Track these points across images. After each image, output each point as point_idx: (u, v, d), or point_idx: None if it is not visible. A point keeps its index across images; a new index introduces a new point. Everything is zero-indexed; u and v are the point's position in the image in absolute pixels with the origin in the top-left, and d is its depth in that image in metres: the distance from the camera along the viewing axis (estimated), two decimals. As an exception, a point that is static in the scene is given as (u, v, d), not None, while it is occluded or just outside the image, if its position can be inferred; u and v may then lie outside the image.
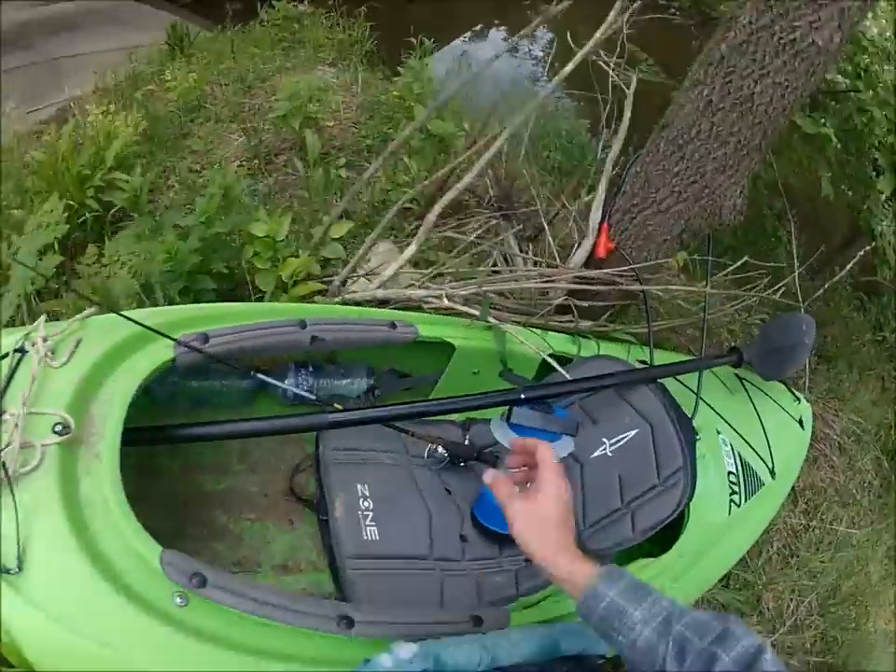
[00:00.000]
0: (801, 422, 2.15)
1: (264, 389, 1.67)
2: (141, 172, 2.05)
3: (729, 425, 1.89)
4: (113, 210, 2.05)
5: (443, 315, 1.74)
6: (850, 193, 2.70)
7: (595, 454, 1.65)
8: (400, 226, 2.15)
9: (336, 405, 1.41)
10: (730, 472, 1.76)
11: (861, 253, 2.80)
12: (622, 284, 1.88)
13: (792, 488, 2.62)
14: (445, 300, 1.71)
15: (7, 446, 1.00)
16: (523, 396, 1.48)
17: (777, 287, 2.22)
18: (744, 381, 2.12)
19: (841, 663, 2.38)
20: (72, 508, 1.01)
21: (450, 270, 1.88)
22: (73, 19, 3.85)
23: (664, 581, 1.49)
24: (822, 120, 2.45)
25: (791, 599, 2.37)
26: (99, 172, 2.05)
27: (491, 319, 1.65)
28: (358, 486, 1.57)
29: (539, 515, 0.98)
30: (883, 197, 2.56)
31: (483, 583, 1.56)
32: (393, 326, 1.57)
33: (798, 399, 2.21)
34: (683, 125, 1.70)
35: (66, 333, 1.19)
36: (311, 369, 1.68)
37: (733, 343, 2.65)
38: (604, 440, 1.65)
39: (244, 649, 1.01)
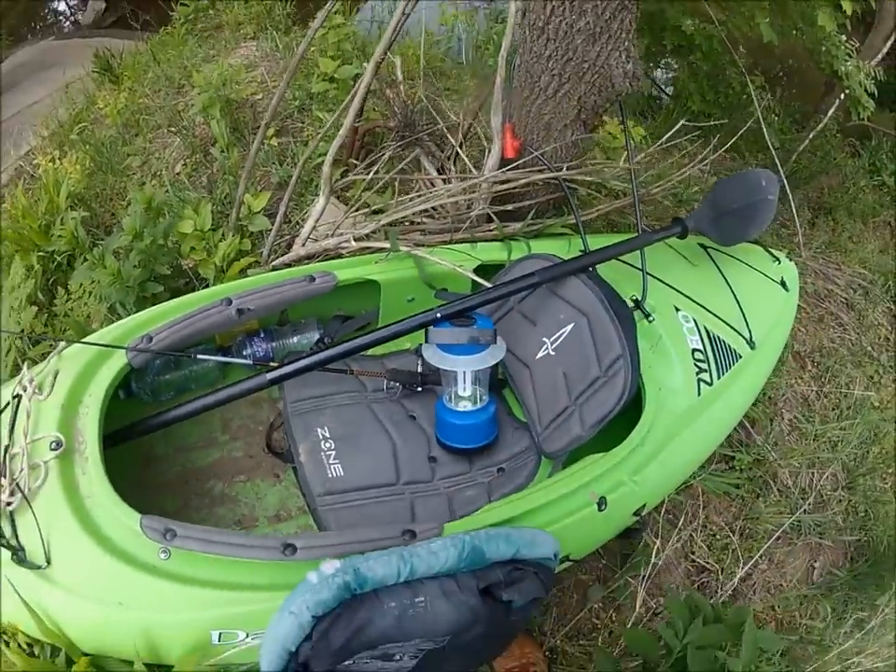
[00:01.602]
0: (783, 283, 2.06)
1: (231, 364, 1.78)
2: (73, 212, 2.17)
3: (690, 299, 1.83)
4: (73, 252, 2.17)
5: (363, 255, 1.78)
6: (803, 37, 2.53)
7: (539, 355, 1.67)
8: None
9: (272, 363, 1.53)
10: (695, 350, 1.71)
11: (841, 98, 2.65)
12: (537, 181, 1.86)
13: (798, 353, 2.55)
14: (353, 241, 1.74)
15: (20, 472, 1.27)
16: (439, 315, 1.52)
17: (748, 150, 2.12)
18: (708, 250, 2.03)
19: (878, 541, 2.23)
20: (75, 503, 1.25)
21: (374, 208, 1.91)
22: (5, 79, 3.95)
23: (622, 475, 1.47)
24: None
25: (812, 473, 2.28)
26: (58, 217, 2.18)
27: (403, 248, 1.68)
28: (318, 430, 1.66)
29: None
30: (834, 34, 2.39)
31: (454, 499, 1.62)
32: (312, 279, 1.64)
33: (777, 260, 2.12)
34: (538, 7, 1.67)
35: (47, 371, 1.44)
36: (262, 335, 1.79)
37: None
38: (544, 339, 1.66)
39: (218, 585, 1.21)
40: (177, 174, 2.41)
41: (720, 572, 2.03)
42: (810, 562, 2.16)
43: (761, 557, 2.07)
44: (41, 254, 2.13)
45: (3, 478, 1.26)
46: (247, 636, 1.23)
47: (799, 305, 2.63)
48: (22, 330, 1.97)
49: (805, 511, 2.17)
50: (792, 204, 2.69)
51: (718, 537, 2.09)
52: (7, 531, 1.23)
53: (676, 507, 2.05)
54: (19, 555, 1.21)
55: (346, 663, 1.18)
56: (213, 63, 2.66)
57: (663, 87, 3.08)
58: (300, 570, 1.15)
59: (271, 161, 2.36)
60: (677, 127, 2.00)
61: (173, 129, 2.54)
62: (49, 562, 1.20)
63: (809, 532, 2.16)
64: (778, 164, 2.57)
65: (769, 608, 2.04)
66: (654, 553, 1.81)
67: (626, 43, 1.68)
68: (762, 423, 2.29)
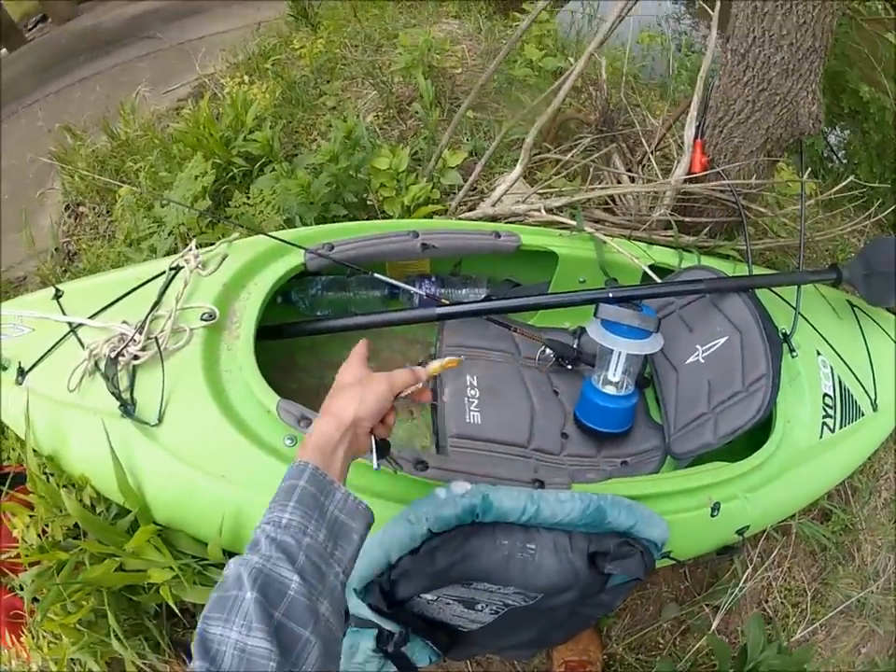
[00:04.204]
0: (915, 360, 2.08)
1: (395, 298, 1.88)
2: (271, 126, 2.31)
3: (831, 347, 1.86)
4: (258, 165, 2.31)
5: (547, 227, 1.86)
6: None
7: (689, 360, 1.73)
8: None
9: (443, 301, 1.61)
10: (826, 395, 1.74)
11: None
12: (720, 197, 1.94)
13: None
14: (543, 211, 1.84)
15: (161, 332, 1.29)
16: (611, 295, 1.60)
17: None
18: (855, 308, 2.07)
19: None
20: (212, 373, 1.27)
21: (563, 189, 2.01)
22: (191, 6, 4.14)
23: (737, 490, 1.49)
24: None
25: (890, 557, 2.25)
26: (241, 134, 2.32)
27: (588, 228, 1.77)
28: (468, 377, 1.76)
29: (364, 383, 0.96)
30: None
31: (575, 478, 1.64)
32: (497, 235, 1.72)
33: (915, 337, 2.14)
34: (741, 34, 1.75)
35: (215, 252, 1.48)
36: (433, 279, 1.88)
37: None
38: (697, 346, 1.72)
39: None
40: (369, 123, 2.54)
41: (782, 629, 2.04)
42: (860, 646, 2.15)
43: (821, 626, 2.08)
44: (217, 161, 2.24)
45: (139, 333, 1.27)
46: None
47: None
48: (204, 210, 2.01)
49: (872, 591, 2.16)
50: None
51: (794, 592, 2.10)
52: (123, 384, 1.24)
53: (769, 545, 2.07)
54: (127, 408, 1.22)
55: (429, 597, 1.20)
56: (417, 29, 2.81)
57: (835, 151, 3.11)
58: (425, 488, 1.18)
59: (464, 131, 2.48)
60: (846, 182, 2.05)
61: (371, 81, 2.68)
62: (160, 420, 1.21)
63: (869, 615, 2.14)
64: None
65: (816, 675, 2.04)
66: (741, 581, 1.84)
67: (814, 85, 1.76)
68: (861, 492, 2.29)
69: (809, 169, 2.17)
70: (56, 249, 2.62)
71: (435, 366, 1.06)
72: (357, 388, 0.95)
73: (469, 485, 1.17)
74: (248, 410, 1.25)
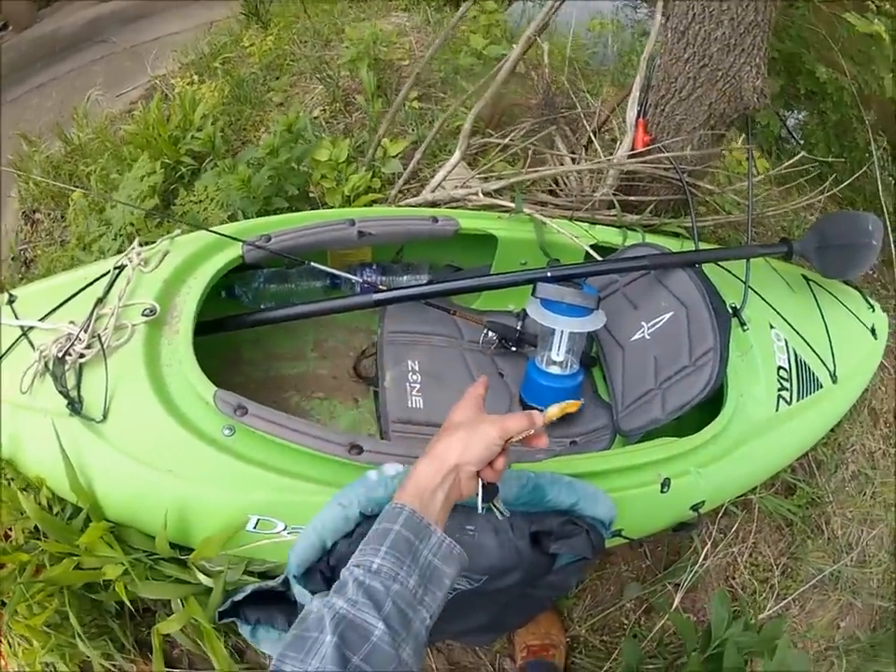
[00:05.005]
0: (873, 331, 2.07)
1: (337, 288, 1.87)
2: (213, 123, 2.31)
3: (785, 321, 1.85)
4: (204, 163, 2.31)
5: (486, 212, 1.85)
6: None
7: (635, 337, 1.72)
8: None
9: (380, 287, 1.60)
10: (780, 367, 1.72)
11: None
12: (664, 175, 1.93)
13: (874, 409, 2.53)
14: (481, 194, 1.83)
15: (104, 329, 1.30)
16: (549, 274, 1.59)
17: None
18: (811, 282, 2.06)
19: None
20: (153, 368, 1.28)
21: (502, 173, 2.00)
22: (145, 7, 4.12)
23: (689, 465, 1.46)
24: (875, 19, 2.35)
25: (862, 530, 2.24)
26: (189, 133, 2.33)
27: (527, 210, 1.76)
28: (409, 362, 1.75)
29: (472, 425, 0.93)
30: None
31: (523, 458, 1.64)
32: (435, 221, 1.71)
33: (872, 307, 2.13)
34: (680, 11, 1.75)
35: (156, 249, 1.49)
36: (374, 267, 1.87)
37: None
38: (643, 323, 1.71)
39: (275, 470, 1.21)
40: (315, 117, 2.55)
41: (752, 604, 2.03)
42: (837, 620, 2.14)
43: (794, 600, 2.06)
44: (166, 161, 2.24)
45: (84, 332, 1.28)
46: (285, 528, 1.23)
47: (884, 366, 2.63)
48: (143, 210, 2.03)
49: (846, 564, 2.15)
50: (896, 268, 2.68)
51: (761, 568, 2.08)
52: (71, 382, 1.25)
53: (731, 521, 2.06)
54: (75, 406, 1.22)
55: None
56: (365, 23, 2.80)
57: (793, 132, 3.09)
58: (360, 472, 1.16)
59: (409, 121, 2.48)
60: (798, 157, 2.04)
61: (318, 76, 2.67)
62: (105, 417, 1.22)
63: (845, 588, 2.13)
64: (889, 227, 2.57)
65: (791, 650, 2.03)
66: (701, 558, 1.83)
67: (757, 59, 1.74)
68: (827, 465, 2.28)
69: (764, 150, 2.16)
70: (13, 258, 2.61)
71: (554, 410, 1.02)
72: (464, 431, 0.92)
73: (401, 467, 1.15)
74: (188, 402, 1.25)
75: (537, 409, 1.67)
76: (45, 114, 3.30)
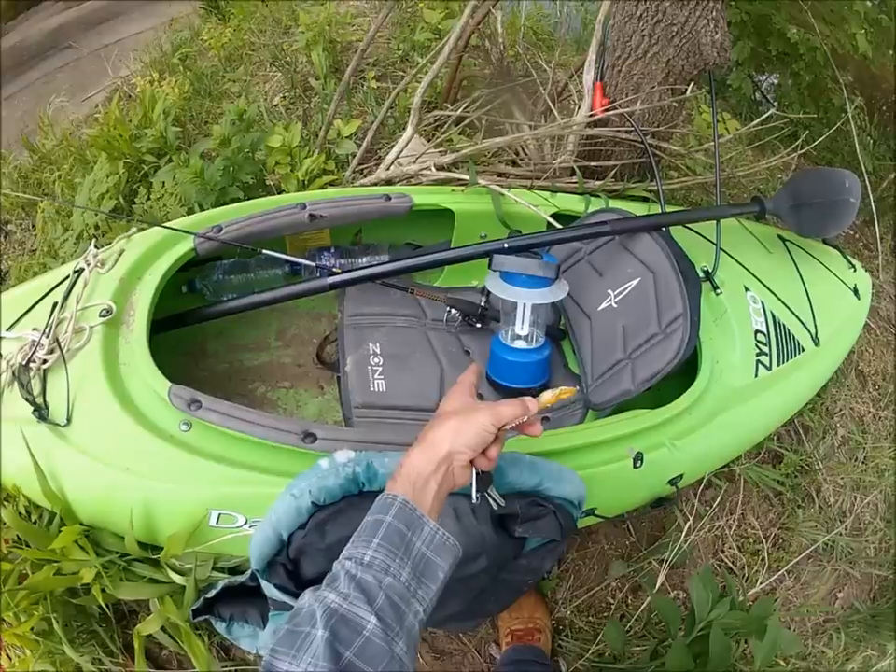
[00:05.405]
0: (856, 291, 2.00)
1: (298, 274, 1.84)
2: (164, 118, 2.27)
3: (761, 283, 1.78)
4: (164, 160, 2.27)
5: (442, 187, 1.79)
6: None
7: (602, 306, 1.67)
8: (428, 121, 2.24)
9: (335, 270, 1.55)
10: (758, 331, 1.66)
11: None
12: (626, 138, 1.87)
13: (861, 372, 2.47)
14: (433, 168, 1.77)
15: (65, 334, 1.31)
16: (506, 245, 1.53)
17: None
18: (787, 242, 1.99)
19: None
20: (111, 368, 1.28)
21: (458, 146, 1.95)
22: (109, 9, 4.05)
23: (663, 437, 1.41)
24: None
25: (855, 497, 2.19)
26: (148, 131, 2.28)
27: (483, 181, 1.70)
28: (370, 345, 1.70)
29: (465, 413, 0.91)
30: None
31: None
32: (388, 198, 1.66)
33: (854, 267, 2.06)
34: None
35: (112, 249, 1.48)
36: (333, 250, 1.83)
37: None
38: (609, 291, 1.65)
39: (232, 463, 1.20)
40: (275, 105, 2.50)
41: (744, 578, 1.97)
42: (835, 591, 2.08)
43: (788, 572, 2.01)
44: (128, 161, 2.21)
45: (45, 337, 1.29)
46: (246, 522, 1.22)
47: (871, 327, 2.58)
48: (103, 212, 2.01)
49: (840, 533, 2.09)
50: (877, 227, 2.62)
51: (751, 540, 2.03)
52: (36, 389, 1.25)
53: (715, 492, 2.00)
54: (41, 412, 1.22)
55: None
56: (319, 7, 2.76)
57: (766, 95, 3.04)
58: (315, 461, 1.13)
59: (368, 101, 2.44)
60: (768, 114, 1.98)
61: (276, 64, 2.63)
62: (69, 421, 1.22)
63: (840, 557, 2.08)
64: (868, 186, 2.51)
65: (785, 626, 1.96)
66: (684, 533, 1.78)
67: (714, 13, 1.68)
68: (815, 431, 2.22)
69: (738, 114, 2.10)
70: (-14, 272, 2.57)
71: (547, 397, 0.98)
72: (456, 419, 0.90)
73: (352, 453, 1.11)
74: (145, 400, 1.25)
75: (505, 386, 1.64)
76: (14, 124, 3.26)
